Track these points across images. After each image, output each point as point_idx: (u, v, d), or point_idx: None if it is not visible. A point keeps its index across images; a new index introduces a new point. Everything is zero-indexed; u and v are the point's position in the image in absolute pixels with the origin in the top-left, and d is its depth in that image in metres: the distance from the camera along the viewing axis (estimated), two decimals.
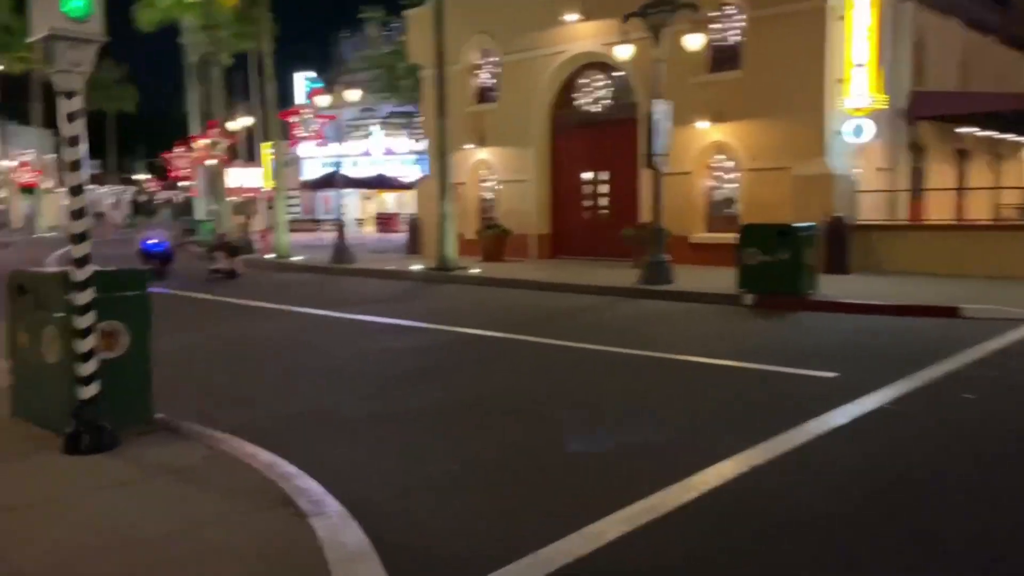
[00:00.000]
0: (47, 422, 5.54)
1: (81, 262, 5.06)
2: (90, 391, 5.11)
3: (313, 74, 46.37)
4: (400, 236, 31.78)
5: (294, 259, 22.32)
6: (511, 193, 21.34)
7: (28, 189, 55.33)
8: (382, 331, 10.61)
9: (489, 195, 22.46)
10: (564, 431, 5.88)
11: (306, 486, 4.31)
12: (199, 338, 10.41)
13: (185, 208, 52.06)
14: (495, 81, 21.88)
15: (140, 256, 18.35)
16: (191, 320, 12.37)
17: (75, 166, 5.07)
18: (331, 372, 8.13)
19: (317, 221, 34.32)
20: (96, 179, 73.04)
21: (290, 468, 4.65)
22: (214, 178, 29.42)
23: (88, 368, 5.10)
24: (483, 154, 21.84)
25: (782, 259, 12.30)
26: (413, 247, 23.26)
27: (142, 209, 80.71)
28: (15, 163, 50.66)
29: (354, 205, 43.14)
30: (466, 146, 21.59)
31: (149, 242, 18.67)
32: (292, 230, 28.56)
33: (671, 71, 15.25)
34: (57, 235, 48.86)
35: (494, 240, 20.15)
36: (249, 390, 7.43)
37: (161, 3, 36.02)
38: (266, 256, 23.81)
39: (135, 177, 77.57)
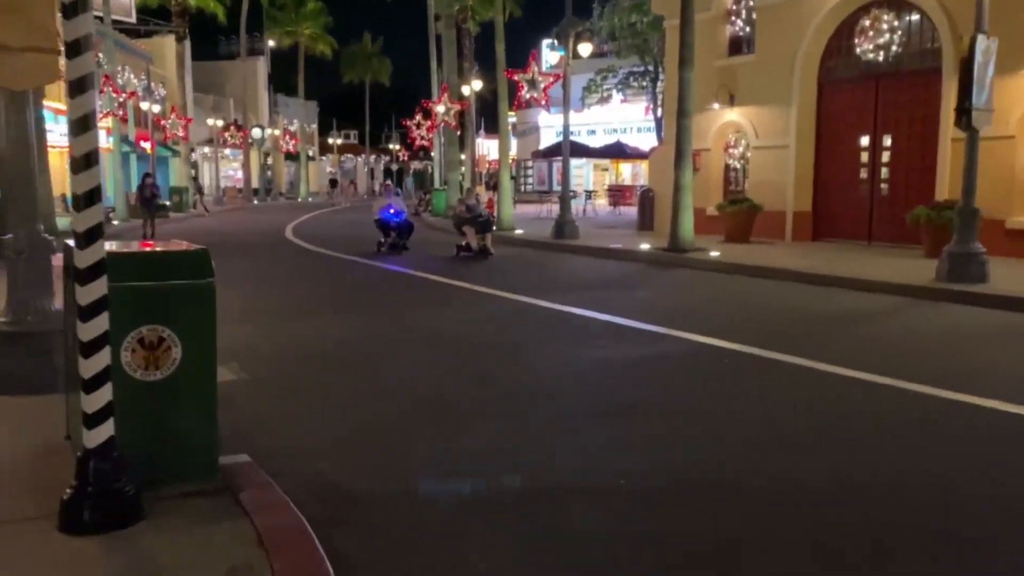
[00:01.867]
0: None
1: (88, 237, 3.23)
2: (99, 436, 3.32)
3: (554, 40, 44.86)
4: (632, 210, 29.31)
5: (515, 233, 20.66)
6: (764, 161, 18.06)
7: (292, 156, 59.54)
8: (592, 332, 8.31)
9: (737, 164, 19.30)
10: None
11: None
12: (386, 329, 8.77)
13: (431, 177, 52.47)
14: (750, 29, 18.59)
15: (378, 226, 16.73)
16: (393, 305, 10.88)
17: (81, 86, 3.23)
18: (514, 394, 5.98)
19: (548, 192, 32.73)
20: (352, 149, 77.75)
21: None
22: (447, 146, 28.66)
23: (95, 401, 3.30)
24: (732, 115, 18.69)
25: None
26: (644, 223, 20.71)
27: (393, 178, 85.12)
28: (279, 131, 54.36)
29: (588, 176, 41.25)
30: (712, 106, 18.57)
31: (387, 212, 16.58)
32: (521, 201, 27.03)
33: (993, 4, 11.29)
34: (314, 200, 51.53)
35: (740, 217, 17.08)
36: (397, 413, 5.48)
37: None
38: None
39: (389, 146, 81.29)
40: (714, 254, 14.48)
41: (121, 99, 23.29)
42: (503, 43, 21.01)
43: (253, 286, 12.31)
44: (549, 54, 23.33)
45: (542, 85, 18.34)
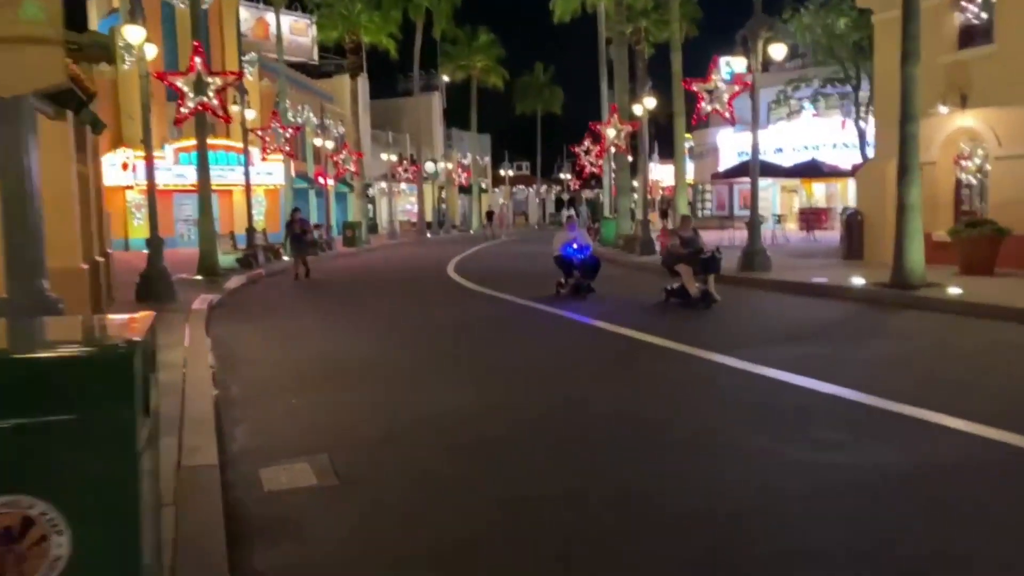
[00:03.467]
0: None
1: None
2: None
3: (732, 57, 41.85)
4: (828, 236, 25.92)
5: None
6: (1011, 174, 14.59)
7: (465, 189, 59.86)
8: (816, 414, 5.91)
9: (972, 179, 15.88)
10: None
11: None
12: (545, 405, 6.88)
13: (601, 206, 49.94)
14: (987, 15, 15.28)
15: (558, 264, 13.72)
16: (562, 367, 9.00)
17: None
18: (740, 552, 3.83)
19: (730, 218, 29.90)
20: (524, 180, 77.56)
21: None
22: (618, 172, 26.66)
23: None
24: (965, 119, 15.37)
25: None
26: (850, 251, 17.64)
27: (564, 207, 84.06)
28: (452, 165, 54.67)
29: (774, 198, 37.77)
30: (938, 109, 15.37)
31: (570, 247, 13.52)
32: (700, 228, 24.48)
33: None
34: (478, 233, 50.94)
35: (981, 243, 13.78)
36: (532, 571, 3.50)
37: None
38: None
39: (560, 176, 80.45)
40: (954, 291, 11.43)
41: (287, 135, 23.23)
42: (679, 54, 18.83)
43: (389, 332, 10.82)
44: (729, 64, 20.76)
45: (726, 96, 15.93)
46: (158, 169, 33.92)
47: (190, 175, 31.98)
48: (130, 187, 30.59)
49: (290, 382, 7.55)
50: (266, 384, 7.49)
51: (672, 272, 12.34)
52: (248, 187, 22.06)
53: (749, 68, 15.89)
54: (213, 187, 34.18)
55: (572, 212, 39.31)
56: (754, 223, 16.26)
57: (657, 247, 21.95)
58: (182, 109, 13.17)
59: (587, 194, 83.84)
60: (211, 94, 13.23)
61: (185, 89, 13.03)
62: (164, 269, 13.34)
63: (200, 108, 13.25)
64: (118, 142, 30.47)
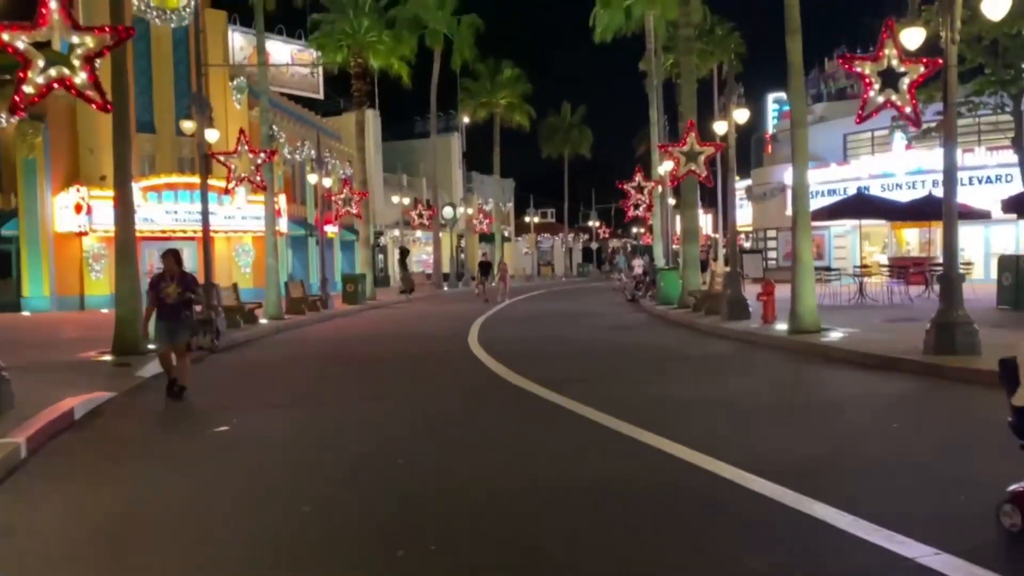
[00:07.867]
0: None
1: None
2: None
3: (784, 95, 36.47)
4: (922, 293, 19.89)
5: (830, 339, 12.44)
6: None
7: (486, 237, 54.48)
8: None
9: None
10: None
11: None
12: None
13: (644, 254, 42.06)
14: None
15: None
16: None
17: None
18: None
19: (826, 269, 24.08)
20: (549, 228, 72.08)
21: None
22: (685, 209, 20.97)
23: None
24: None
25: None
26: None
27: (593, 257, 78.38)
28: (472, 211, 49.34)
29: (854, 247, 32.00)
30: None
31: None
32: (776, 280, 18.74)
33: None
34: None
35: None
36: None
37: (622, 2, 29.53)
38: (775, 327, 14.30)
39: (589, 224, 75.08)
40: None
41: (259, 160, 17.78)
42: (798, 35, 13.33)
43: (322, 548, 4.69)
44: (907, 33, 15.22)
45: (906, 81, 10.24)
46: None
47: (159, 219, 26.76)
48: (84, 233, 25.28)
49: None
50: None
51: None
52: (206, 230, 16.52)
53: (939, 40, 10.28)
54: (189, 234, 29.09)
55: (643, 258, 30.07)
56: (954, 279, 10.40)
57: (752, 307, 16.16)
58: (25, 88, 7.64)
59: (614, 243, 78.04)
60: (76, 63, 7.74)
61: (26, 52, 7.53)
62: None
63: (55, 85, 7.75)
64: (73, 179, 25.28)
